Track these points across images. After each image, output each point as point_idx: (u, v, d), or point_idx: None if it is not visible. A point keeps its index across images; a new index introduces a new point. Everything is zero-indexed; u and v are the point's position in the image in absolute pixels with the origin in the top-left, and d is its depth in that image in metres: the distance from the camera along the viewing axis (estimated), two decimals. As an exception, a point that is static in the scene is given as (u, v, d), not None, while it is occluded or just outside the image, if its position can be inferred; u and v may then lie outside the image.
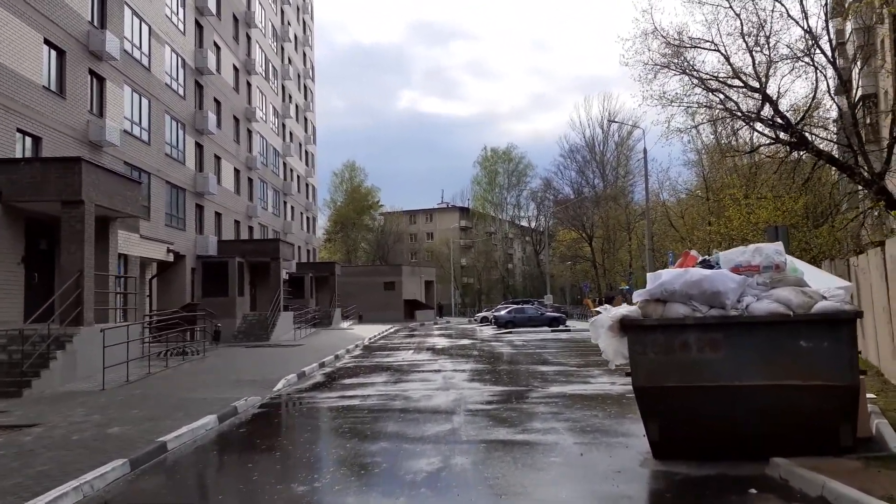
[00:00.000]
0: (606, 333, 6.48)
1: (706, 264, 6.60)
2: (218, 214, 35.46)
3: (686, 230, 43.51)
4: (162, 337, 22.71)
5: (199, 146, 33.04)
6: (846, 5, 28.62)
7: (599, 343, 6.73)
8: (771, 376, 5.91)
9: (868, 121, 32.51)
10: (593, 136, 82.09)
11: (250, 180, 41.49)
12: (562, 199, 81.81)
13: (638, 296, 6.61)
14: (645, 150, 34.40)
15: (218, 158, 35.74)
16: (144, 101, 26.88)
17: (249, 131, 41.78)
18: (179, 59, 30.77)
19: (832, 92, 24.77)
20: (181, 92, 30.93)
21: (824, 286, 6.31)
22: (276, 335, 31.76)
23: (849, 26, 33.28)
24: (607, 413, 10.01)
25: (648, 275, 6.70)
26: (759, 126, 27.18)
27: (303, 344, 28.16)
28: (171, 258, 24.40)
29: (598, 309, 7.25)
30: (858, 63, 29.69)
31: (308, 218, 59.06)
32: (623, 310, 6.53)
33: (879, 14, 29.21)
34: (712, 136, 44.09)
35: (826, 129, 28.95)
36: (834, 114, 31.57)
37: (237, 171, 38.92)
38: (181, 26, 31.23)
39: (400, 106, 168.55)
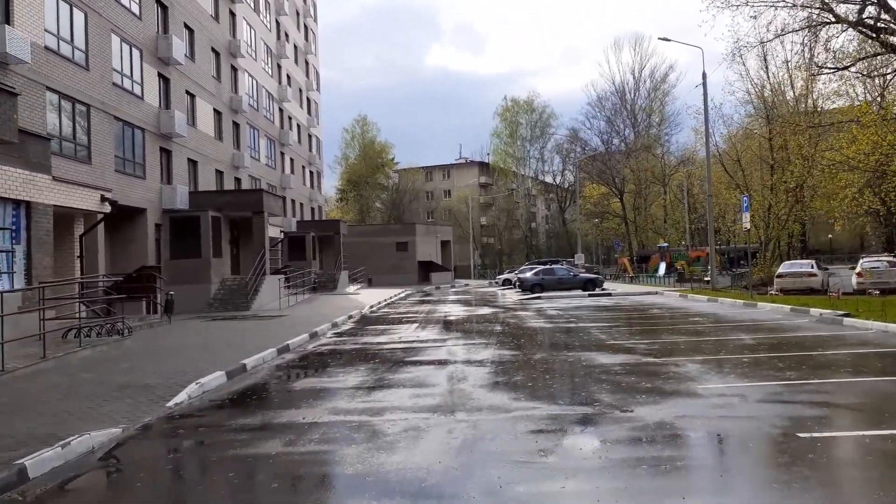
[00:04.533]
0: None
1: None
2: (193, 162, 29.96)
3: (741, 177, 37.25)
4: (114, 308, 17.65)
5: (163, 79, 27.34)
6: None
7: None
8: None
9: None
10: (623, 83, 75.08)
11: (236, 125, 35.81)
12: (590, 150, 75.13)
13: None
14: (704, 74, 27.95)
15: (191, 96, 30.07)
16: (78, 14, 21.19)
17: (234, 68, 35.95)
18: (132, -32, 24.91)
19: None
20: (135, 10, 25.13)
21: None
22: (260, 303, 26.51)
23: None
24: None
25: None
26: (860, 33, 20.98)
27: (286, 315, 22.86)
28: (106, 208, 18.98)
29: None
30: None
31: (312, 172, 53.39)
32: None
33: None
34: (793, 53, 37.24)
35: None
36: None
37: (218, 113, 33.23)
38: (134, -71, 25.29)
39: (426, 63, 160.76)
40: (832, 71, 22.37)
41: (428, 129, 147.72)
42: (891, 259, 25.59)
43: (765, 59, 39.48)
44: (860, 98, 34.59)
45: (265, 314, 23.38)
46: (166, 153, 27.37)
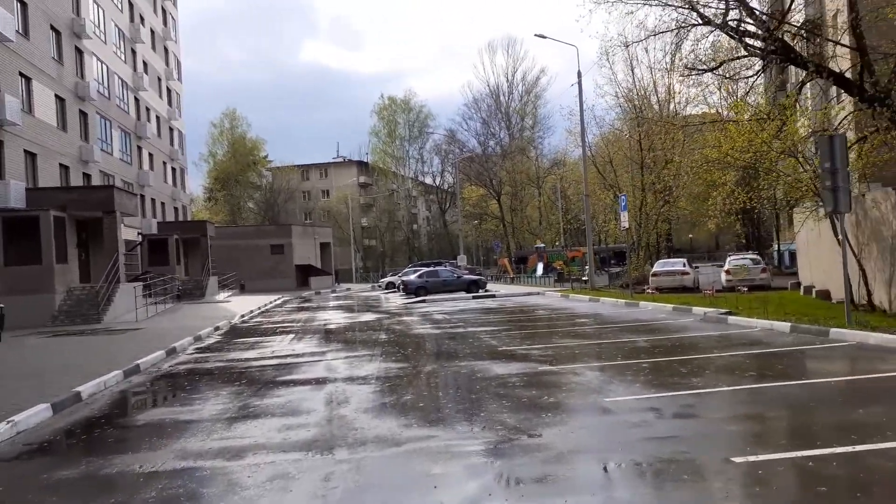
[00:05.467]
0: None
1: None
2: (31, 154, 26.36)
3: (613, 177, 38.28)
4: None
5: (-11, 57, 23.77)
6: None
7: None
8: None
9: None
10: (498, 85, 76.11)
11: (83, 114, 32.10)
12: (467, 151, 75.56)
13: None
14: (579, 73, 28.19)
15: (27, 78, 26.41)
16: None
17: (79, 50, 32.20)
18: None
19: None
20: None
21: None
22: (114, 314, 23.71)
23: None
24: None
25: None
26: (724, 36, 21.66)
27: (143, 328, 20.39)
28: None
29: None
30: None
31: (174, 169, 49.43)
32: None
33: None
34: (656, 59, 38.74)
35: (803, 36, 23.96)
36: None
37: (61, 100, 29.56)
38: None
39: (301, 59, 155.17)
40: (701, 72, 23.04)
41: (303, 126, 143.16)
42: (754, 257, 26.92)
43: (631, 64, 41.00)
44: (716, 104, 36.60)
45: (118, 327, 20.77)
46: (-5, 144, 23.83)
